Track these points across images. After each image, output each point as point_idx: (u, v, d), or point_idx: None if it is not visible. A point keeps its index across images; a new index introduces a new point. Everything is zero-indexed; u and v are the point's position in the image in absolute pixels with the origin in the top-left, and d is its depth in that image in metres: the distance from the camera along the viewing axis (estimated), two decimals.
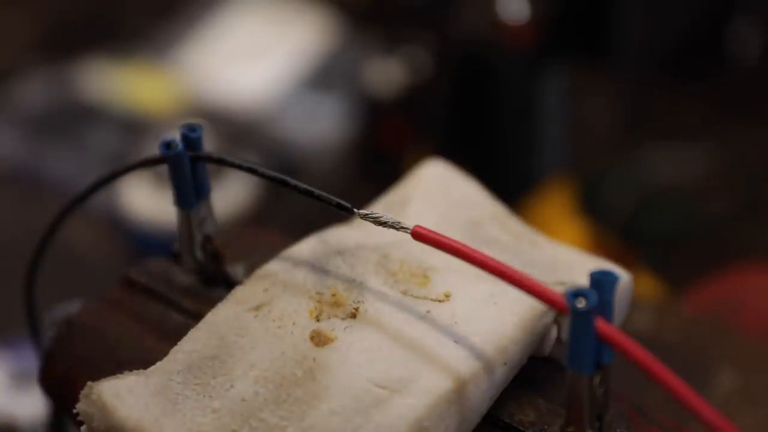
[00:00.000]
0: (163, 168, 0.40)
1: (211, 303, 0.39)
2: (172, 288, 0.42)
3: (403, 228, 0.37)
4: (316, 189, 0.38)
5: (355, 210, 0.38)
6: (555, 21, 1.13)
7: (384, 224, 0.37)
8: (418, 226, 0.36)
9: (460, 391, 0.35)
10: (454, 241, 0.35)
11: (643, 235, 1.03)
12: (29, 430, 0.68)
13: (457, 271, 0.38)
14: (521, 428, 0.37)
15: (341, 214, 0.39)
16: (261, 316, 0.37)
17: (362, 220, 0.38)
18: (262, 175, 0.40)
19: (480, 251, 0.34)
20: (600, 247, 0.99)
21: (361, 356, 0.36)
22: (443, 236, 0.35)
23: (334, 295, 0.38)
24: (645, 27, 1.24)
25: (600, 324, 0.32)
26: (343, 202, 0.38)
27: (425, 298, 0.38)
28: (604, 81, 1.28)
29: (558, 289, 0.33)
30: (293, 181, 0.38)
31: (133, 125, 1.10)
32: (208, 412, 0.34)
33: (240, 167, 0.40)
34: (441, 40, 1.15)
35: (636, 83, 1.28)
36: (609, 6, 1.21)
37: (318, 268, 0.39)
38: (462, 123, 1.14)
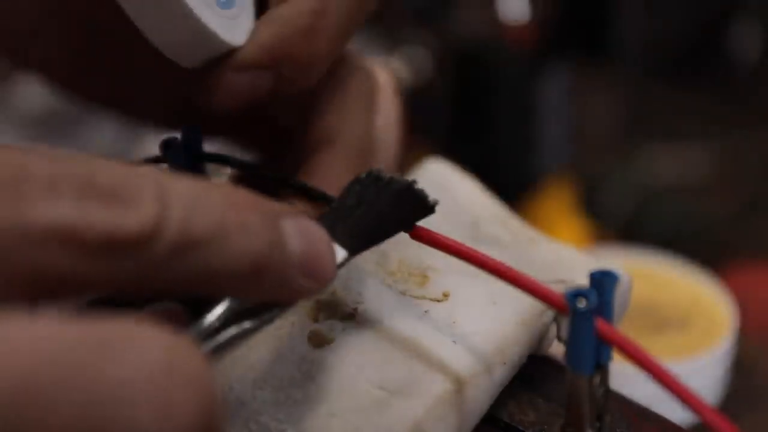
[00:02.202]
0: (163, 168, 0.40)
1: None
2: None
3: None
4: (315, 186, 0.38)
5: None
6: (556, 21, 1.13)
7: None
8: (416, 225, 0.36)
9: (459, 391, 0.35)
10: (453, 240, 0.35)
11: (643, 235, 1.03)
12: None
13: (456, 271, 0.38)
14: (521, 428, 0.37)
15: None
16: None
17: None
18: (262, 174, 0.40)
19: (479, 251, 0.34)
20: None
21: (359, 357, 0.35)
22: (442, 236, 0.35)
23: (332, 295, 0.38)
24: (645, 27, 1.24)
25: (600, 324, 0.32)
26: None
27: (424, 297, 0.38)
28: (605, 81, 1.28)
29: (558, 288, 0.33)
30: (293, 178, 0.38)
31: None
32: None
33: (240, 166, 0.40)
34: (441, 40, 1.14)
35: (636, 83, 1.28)
36: (610, 6, 1.21)
37: None
38: (462, 123, 1.14)
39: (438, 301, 0.38)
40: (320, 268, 0.30)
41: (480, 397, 0.35)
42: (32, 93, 1.14)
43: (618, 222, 1.10)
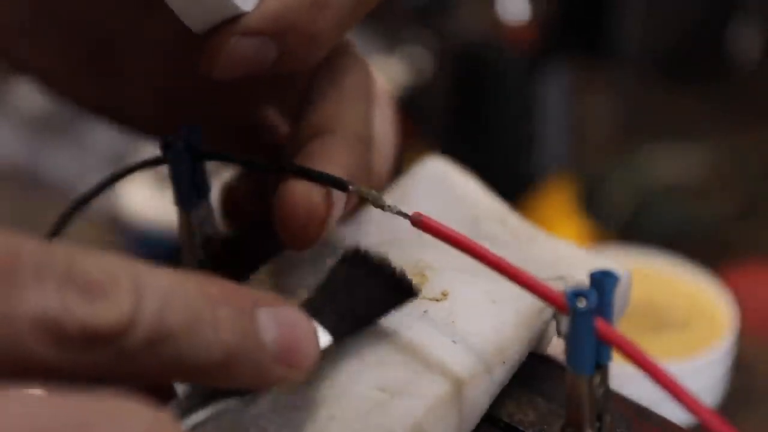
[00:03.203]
0: (163, 168, 0.40)
1: None
2: None
3: (401, 213, 0.36)
4: (312, 169, 0.37)
5: (351, 186, 0.37)
6: (555, 21, 1.13)
7: (381, 207, 0.37)
8: (417, 212, 0.36)
9: (459, 391, 0.35)
10: (453, 230, 0.35)
11: (643, 235, 1.03)
12: None
13: (455, 270, 0.38)
14: (521, 428, 0.37)
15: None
16: None
17: (360, 220, 0.38)
18: (262, 168, 0.40)
19: (477, 242, 0.34)
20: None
21: (359, 359, 0.35)
22: (442, 224, 0.35)
23: None
24: (645, 27, 1.24)
25: (600, 324, 0.32)
26: (338, 178, 0.37)
27: (423, 297, 0.38)
28: (604, 81, 1.28)
29: (557, 284, 0.33)
30: (293, 166, 0.38)
31: None
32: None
33: (240, 163, 0.40)
34: (441, 40, 1.14)
35: (636, 83, 1.28)
36: (609, 6, 1.21)
37: (316, 268, 0.39)
38: (462, 123, 1.14)
39: (437, 300, 0.38)
40: (298, 356, 0.30)
41: (480, 396, 0.35)
42: (32, 93, 1.14)
43: (618, 222, 1.10)
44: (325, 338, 0.33)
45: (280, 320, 0.30)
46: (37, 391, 0.26)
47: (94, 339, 0.27)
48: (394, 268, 0.35)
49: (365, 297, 0.34)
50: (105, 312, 0.27)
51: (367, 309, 0.35)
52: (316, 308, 0.33)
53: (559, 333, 0.37)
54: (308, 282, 0.38)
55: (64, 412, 0.25)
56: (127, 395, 0.26)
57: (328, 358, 0.35)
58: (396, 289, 0.35)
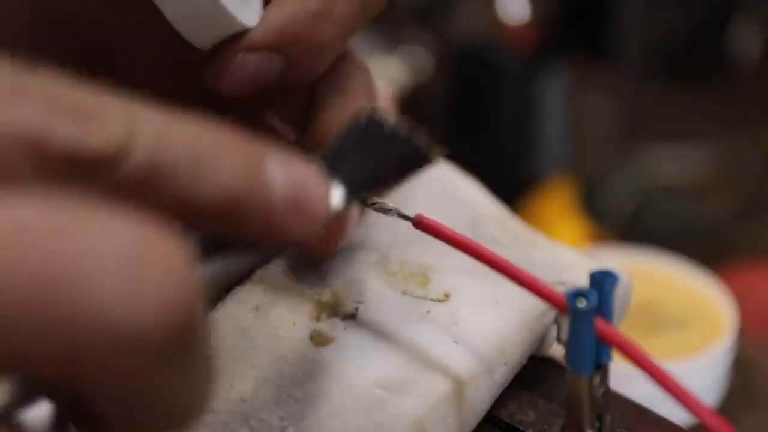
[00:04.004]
0: None
1: (212, 304, 0.39)
2: None
3: (403, 215, 0.36)
4: None
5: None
6: (555, 21, 1.13)
7: (384, 212, 0.37)
8: (418, 214, 0.36)
9: (460, 391, 0.35)
10: (454, 231, 0.35)
11: (643, 235, 1.03)
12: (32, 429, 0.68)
13: (458, 271, 0.38)
14: (521, 428, 0.37)
15: None
16: (260, 317, 0.37)
17: (363, 222, 0.38)
18: None
19: (479, 243, 0.34)
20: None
21: (361, 357, 0.36)
22: (443, 226, 0.35)
23: (333, 295, 0.38)
24: (645, 27, 1.24)
25: (600, 324, 0.32)
26: None
27: (425, 298, 0.38)
28: (604, 81, 1.28)
29: (558, 290, 0.33)
30: None
31: None
32: (207, 412, 0.34)
33: None
34: (441, 40, 1.15)
35: (636, 83, 1.28)
36: (609, 6, 1.21)
37: (317, 268, 0.39)
38: (462, 123, 1.14)
39: (439, 301, 0.38)
40: (310, 207, 0.29)
41: (481, 397, 0.36)
42: None
43: (618, 222, 1.10)
44: (339, 195, 0.31)
45: (290, 170, 0.28)
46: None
47: (82, 163, 0.24)
48: (411, 134, 0.34)
49: (381, 159, 0.33)
50: (94, 134, 0.24)
51: (383, 172, 0.33)
52: (329, 165, 0.32)
53: (559, 340, 0.37)
54: (309, 281, 0.38)
55: (25, 212, 0.22)
56: (111, 207, 0.23)
57: (332, 353, 0.35)
58: (413, 154, 0.34)
